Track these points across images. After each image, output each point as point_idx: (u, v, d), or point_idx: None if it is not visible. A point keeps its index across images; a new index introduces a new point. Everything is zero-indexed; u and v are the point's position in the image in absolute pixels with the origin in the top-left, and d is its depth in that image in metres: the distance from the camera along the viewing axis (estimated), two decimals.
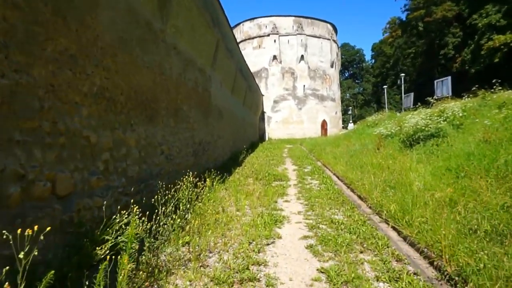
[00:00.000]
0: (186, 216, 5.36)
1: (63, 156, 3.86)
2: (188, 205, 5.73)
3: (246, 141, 26.96)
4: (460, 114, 12.44)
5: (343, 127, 55.14)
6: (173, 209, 4.75)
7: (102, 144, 4.72)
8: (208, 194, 7.19)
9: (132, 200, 5.41)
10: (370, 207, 7.48)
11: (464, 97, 14.64)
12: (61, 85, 3.88)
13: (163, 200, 4.76)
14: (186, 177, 6.11)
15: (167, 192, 5.00)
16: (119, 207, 5.06)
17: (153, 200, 4.68)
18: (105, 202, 4.61)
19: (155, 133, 6.89)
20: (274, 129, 48.33)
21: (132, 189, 5.55)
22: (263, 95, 44.47)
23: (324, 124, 50.68)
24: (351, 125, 49.79)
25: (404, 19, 55.26)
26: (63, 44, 3.95)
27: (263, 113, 46.83)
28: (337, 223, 6.05)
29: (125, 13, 5.62)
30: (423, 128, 11.93)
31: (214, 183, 7.72)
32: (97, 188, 4.51)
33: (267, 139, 44.85)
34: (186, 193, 5.67)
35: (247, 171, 12.24)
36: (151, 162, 6.54)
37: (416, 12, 48.15)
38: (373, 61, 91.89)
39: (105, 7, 4.93)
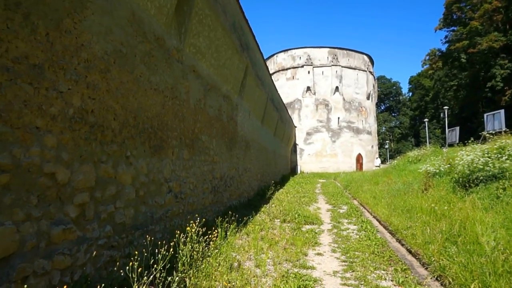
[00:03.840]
0: (186, 279, 4.06)
1: (4, 202, 2.76)
2: (192, 263, 4.45)
3: (277, 174, 25.54)
4: None
5: None
6: (162, 275, 3.47)
7: (77, 183, 3.60)
8: (223, 243, 5.87)
9: (119, 255, 4.23)
10: (426, 268, 5.89)
11: None
12: (11, 103, 2.84)
13: (151, 261, 3.52)
14: (192, 224, 4.82)
15: (158, 249, 3.72)
16: (98, 265, 3.86)
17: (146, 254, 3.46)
18: (73, 261, 3.44)
19: (162, 167, 5.75)
20: (306, 162, 46.62)
21: (121, 239, 4.36)
22: (295, 127, 43.28)
23: (359, 158, 48.36)
24: (377, 161, 46.92)
25: (444, 50, 52.93)
26: (21, 49, 2.95)
27: (295, 145, 45.44)
28: None
29: (126, 23, 4.66)
30: (482, 167, 10.17)
31: (228, 233, 6.36)
32: (62, 243, 3.34)
33: (299, 172, 43.13)
34: (189, 247, 4.38)
35: (274, 211, 10.81)
36: (153, 203, 5.36)
37: (458, 44, 45.84)
38: (411, 94, 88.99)
39: (96, 12, 3.97)
